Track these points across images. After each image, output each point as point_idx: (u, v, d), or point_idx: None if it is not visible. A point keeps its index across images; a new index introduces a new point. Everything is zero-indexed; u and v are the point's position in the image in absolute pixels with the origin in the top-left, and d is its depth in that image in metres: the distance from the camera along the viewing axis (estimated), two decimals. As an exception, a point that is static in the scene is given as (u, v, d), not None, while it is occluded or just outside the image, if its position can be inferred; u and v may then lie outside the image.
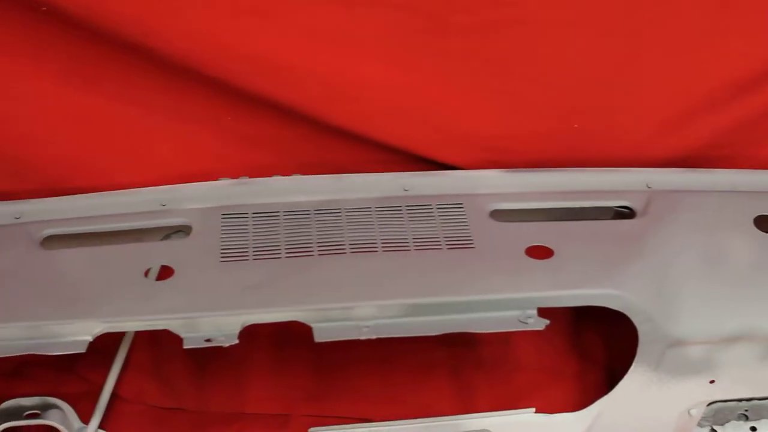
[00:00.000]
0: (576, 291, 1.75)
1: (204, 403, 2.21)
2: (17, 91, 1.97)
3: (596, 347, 2.28)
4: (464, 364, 2.23)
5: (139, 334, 2.14)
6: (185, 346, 1.66)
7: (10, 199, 2.04)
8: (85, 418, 2.12)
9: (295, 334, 2.16)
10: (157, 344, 2.24)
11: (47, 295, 1.77)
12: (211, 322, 1.68)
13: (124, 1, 1.81)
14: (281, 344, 2.25)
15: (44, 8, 1.83)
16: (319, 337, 1.67)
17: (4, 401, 2.12)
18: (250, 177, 2.02)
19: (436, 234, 1.88)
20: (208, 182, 2.00)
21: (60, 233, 1.96)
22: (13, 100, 1.98)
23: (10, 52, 1.92)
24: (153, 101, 2.01)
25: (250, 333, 1.70)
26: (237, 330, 1.68)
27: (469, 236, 1.87)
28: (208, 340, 1.67)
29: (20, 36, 1.91)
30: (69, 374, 2.25)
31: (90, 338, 1.69)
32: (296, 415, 2.19)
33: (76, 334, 1.69)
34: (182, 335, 1.68)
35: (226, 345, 1.66)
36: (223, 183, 2.00)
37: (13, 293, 1.78)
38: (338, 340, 1.67)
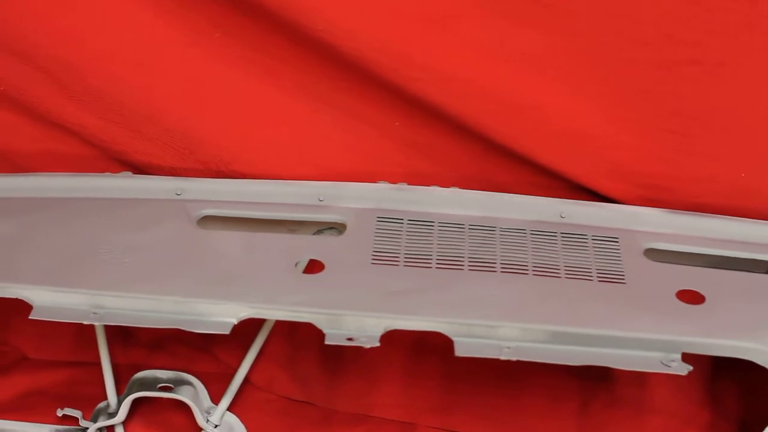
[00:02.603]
0: (725, 341, 1.70)
1: (332, 401, 2.22)
2: (197, 71, 2.03)
3: (731, 399, 2.22)
4: (595, 399, 2.20)
5: (277, 324, 2.17)
6: (327, 342, 1.67)
7: (173, 175, 2.09)
8: (215, 399, 2.16)
9: (429, 344, 2.18)
10: (293, 337, 2.26)
11: (198, 274, 1.80)
12: (356, 322, 1.69)
13: (316, -2, 1.86)
14: (414, 353, 2.25)
15: None
16: (459, 352, 1.65)
17: (140, 371, 2.17)
18: (408, 183, 2.03)
19: (589, 265, 1.86)
20: (367, 183, 2.02)
21: (217, 214, 2.00)
22: (191, 79, 2.04)
23: (199, 30, 1.98)
24: (325, 98, 2.04)
25: (385, 338, 1.70)
26: (380, 333, 1.68)
27: (621, 271, 1.85)
28: (349, 339, 1.67)
29: (210, 18, 1.96)
30: (204, 353, 2.29)
31: (235, 321, 1.71)
32: (421, 425, 2.18)
33: (222, 316, 1.71)
34: (325, 331, 1.68)
35: (367, 346, 1.66)
36: (382, 186, 2.02)
37: (167, 267, 1.82)
38: (478, 356, 1.66)
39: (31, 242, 1.88)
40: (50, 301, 1.73)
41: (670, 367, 1.66)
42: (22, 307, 1.72)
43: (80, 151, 2.15)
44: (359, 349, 1.68)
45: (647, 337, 1.68)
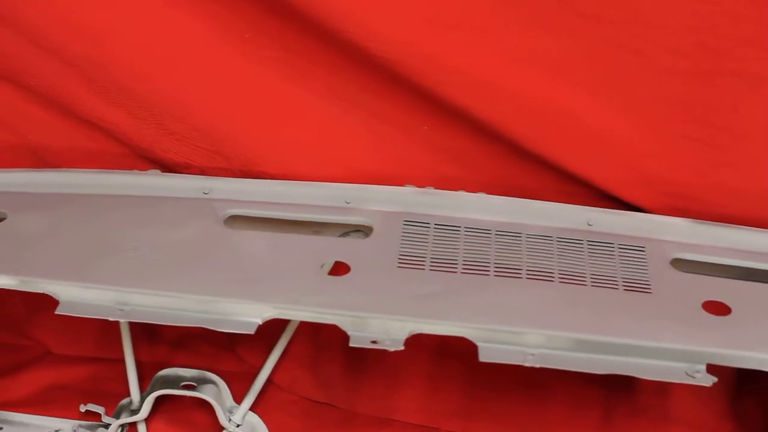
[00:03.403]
0: (750, 353, 1.68)
1: (354, 404, 2.23)
2: (226, 70, 2.03)
3: (754, 412, 2.21)
4: (618, 408, 2.19)
5: (301, 326, 2.17)
6: (351, 344, 1.65)
7: (201, 174, 2.10)
8: (238, 398, 2.16)
9: (453, 349, 2.18)
10: (317, 338, 2.26)
11: (224, 273, 1.80)
12: (381, 325, 1.67)
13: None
14: (437, 357, 2.24)
15: None
16: (483, 357, 1.64)
17: (163, 369, 2.18)
18: (435, 188, 2.03)
19: (615, 273, 1.85)
20: (394, 187, 2.01)
21: (243, 214, 2.00)
22: (219, 78, 2.04)
23: (228, 29, 1.99)
24: (355, 100, 2.04)
25: (408, 341, 1.69)
26: (404, 336, 1.67)
27: (647, 281, 1.83)
28: (374, 342, 1.66)
29: (240, 18, 1.97)
30: (228, 352, 2.30)
31: (260, 321, 1.70)
32: (443, 430, 2.19)
33: (247, 315, 1.71)
34: (350, 333, 1.67)
35: (392, 350, 1.64)
36: (409, 190, 2.01)
37: (193, 266, 1.82)
38: (502, 363, 1.65)
39: (59, 237, 1.88)
40: (76, 296, 1.73)
41: (694, 378, 1.64)
42: (46, 301, 1.72)
43: (109, 148, 2.16)
44: (382, 352, 1.67)
45: (672, 347, 1.66)
